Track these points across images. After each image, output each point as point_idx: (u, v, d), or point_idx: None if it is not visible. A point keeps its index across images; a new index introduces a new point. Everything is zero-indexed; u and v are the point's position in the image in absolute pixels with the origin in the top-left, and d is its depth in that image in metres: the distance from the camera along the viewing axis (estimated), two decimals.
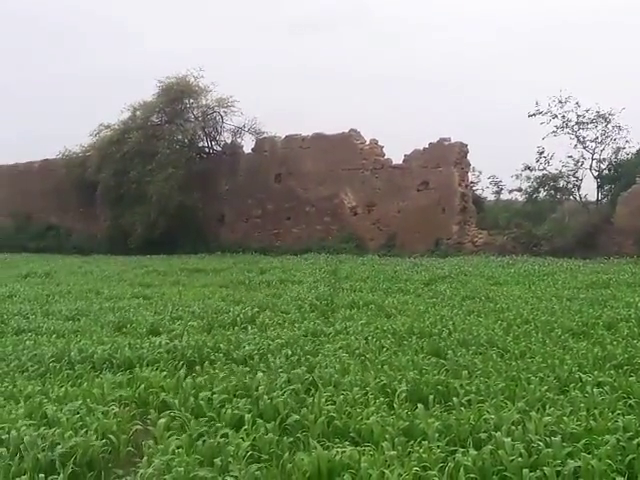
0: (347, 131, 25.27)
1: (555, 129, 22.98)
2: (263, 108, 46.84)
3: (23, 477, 4.26)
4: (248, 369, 6.67)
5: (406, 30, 71.98)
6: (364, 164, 24.69)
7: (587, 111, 22.78)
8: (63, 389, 6.06)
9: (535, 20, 67.88)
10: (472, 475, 4.10)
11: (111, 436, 4.89)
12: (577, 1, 64.48)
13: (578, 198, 23.94)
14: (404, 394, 5.63)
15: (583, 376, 6.03)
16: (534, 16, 66.34)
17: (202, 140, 28.61)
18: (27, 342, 8.17)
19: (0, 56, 67.90)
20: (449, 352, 7.10)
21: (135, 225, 26.12)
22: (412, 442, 4.58)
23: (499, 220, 25.24)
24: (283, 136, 26.84)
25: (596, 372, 6.18)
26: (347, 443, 4.65)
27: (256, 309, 10.39)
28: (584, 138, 23.02)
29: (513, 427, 4.65)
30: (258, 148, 27.22)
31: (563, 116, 22.89)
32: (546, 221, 24.04)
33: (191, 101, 27.84)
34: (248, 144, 27.84)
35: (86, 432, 4.83)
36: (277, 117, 60.47)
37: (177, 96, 27.34)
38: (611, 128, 22.76)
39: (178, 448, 4.54)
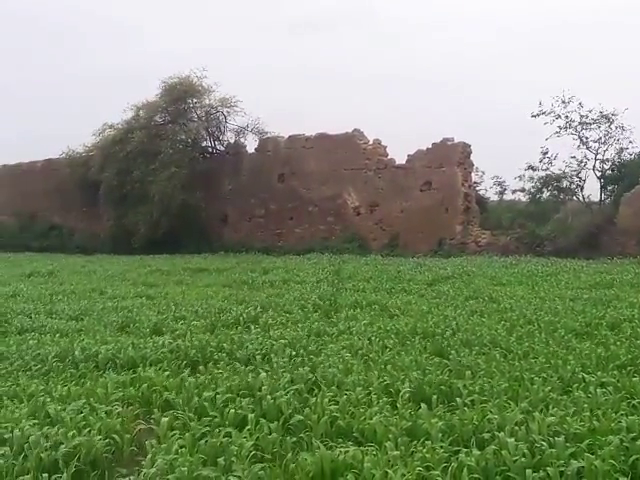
0: (350, 131, 25.28)
1: (558, 129, 22.99)
2: (263, 108, 47.05)
3: (27, 476, 4.27)
4: (253, 367, 6.68)
5: (406, 30, 72.08)
6: (367, 164, 24.68)
7: (590, 111, 22.79)
8: (66, 388, 6.08)
9: (535, 20, 67.94)
10: (475, 475, 4.10)
11: (114, 435, 4.89)
12: (577, 1, 64.59)
13: (581, 198, 23.93)
14: (407, 394, 5.62)
15: (586, 376, 6.02)
16: (534, 16, 66.41)
17: (205, 140, 28.70)
18: (30, 341, 8.18)
19: (0, 56, 68.17)
20: (452, 352, 7.09)
21: (138, 225, 26.17)
22: (415, 442, 4.58)
23: (502, 220, 25.23)
24: (286, 136, 26.86)
25: (599, 372, 6.17)
26: (350, 443, 4.66)
27: (259, 309, 10.39)
28: (587, 138, 23.04)
29: (516, 427, 4.64)
30: (261, 148, 27.25)
31: (566, 116, 22.90)
32: (549, 221, 24.03)
33: (194, 101, 27.90)
34: (251, 144, 27.95)
35: (89, 431, 4.83)
36: (277, 117, 60.64)
37: (180, 96, 27.40)
38: (614, 128, 22.76)
39: (181, 448, 4.54)
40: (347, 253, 22.17)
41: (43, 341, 8.29)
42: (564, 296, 11.35)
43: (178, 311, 10.45)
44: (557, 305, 10.29)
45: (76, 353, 7.41)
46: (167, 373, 6.57)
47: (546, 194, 24.95)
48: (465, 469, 4.09)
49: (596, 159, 23.04)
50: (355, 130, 25.23)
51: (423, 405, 5.26)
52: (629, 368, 6.36)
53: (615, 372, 6.20)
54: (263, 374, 6.23)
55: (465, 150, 23.52)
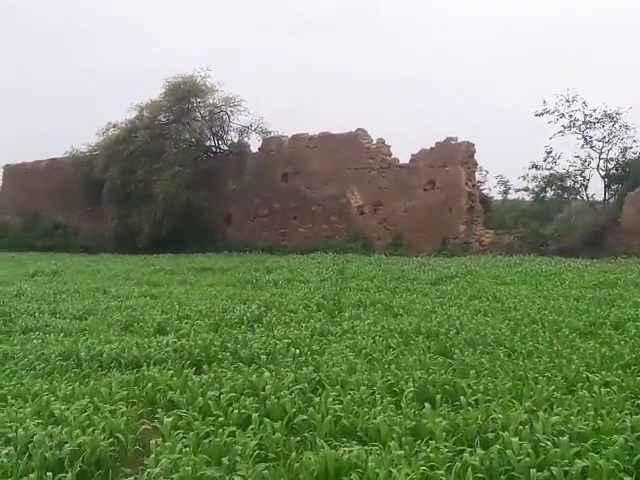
0: (354, 130, 25.26)
1: (562, 129, 22.98)
2: (263, 108, 47.11)
3: (31, 475, 4.27)
4: (256, 366, 6.69)
5: (406, 30, 72.08)
6: (371, 163, 24.67)
7: (594, 110, 22.77)
8: (70, 388, 6.08)
9: (535, 20, 67.92)
10: (479, 475, 4.09)
11: (119, 435, 4.89)
12: (577, 1, 64.51)
13: (585, 198, 23.90)
14: (411, 393, 5.61)
15: (590, 376, 6.00)
16: (534, 16, 66.43)
17: (209, 139, 28.71)
18: (34, 341, 8.20)
19: (0, 56, 68.29)
20: (456, 352, 7.09)
21: (142, 224, 26.19)
22: (419, 441, 4.57)
23: (506, 220, 25.23)
24: (289, 135, 26.86)
25: (604, 372, 6.15)
26: (354, 442, 4.65)
27: (263, 308, 10.39)
28: (591, 138, 23.02)
29: (520, 427, 4.63)
30: (265, 147, 27.26)
31: (570, 115, 22.86)
32: (553, 221, 24.03)
33: (198, 100, 27.93)
34: (255, 143, 27.97)
35: (93, 431, 4.83)
36: (277, 117, 60.65)
37: (184, 95, 27.42)
38: (618, 128, 22.74)
39: (185, 447, 4.54)
40: (351, 252, 22.16)
41: (47, 340, 8.31)
42: (568, 295, 11.33)
43: (182, 310, 10.46)
44: (561, 304, 10.27)
45: (80, 352, 7.41)
46: (171, 372, 6.56)
47: (550, 193, 24.95)
48: (469, 469, 4.08)
49: (600, 158, 23.07)
50: (359, 129, 25.22)
51: (427, 404, 5.25)
52: (633, 367, 6.35)
53: (619, 371, 6.19)
54: (267, 373, 6.23)
55: (469, 149, 23.49)
